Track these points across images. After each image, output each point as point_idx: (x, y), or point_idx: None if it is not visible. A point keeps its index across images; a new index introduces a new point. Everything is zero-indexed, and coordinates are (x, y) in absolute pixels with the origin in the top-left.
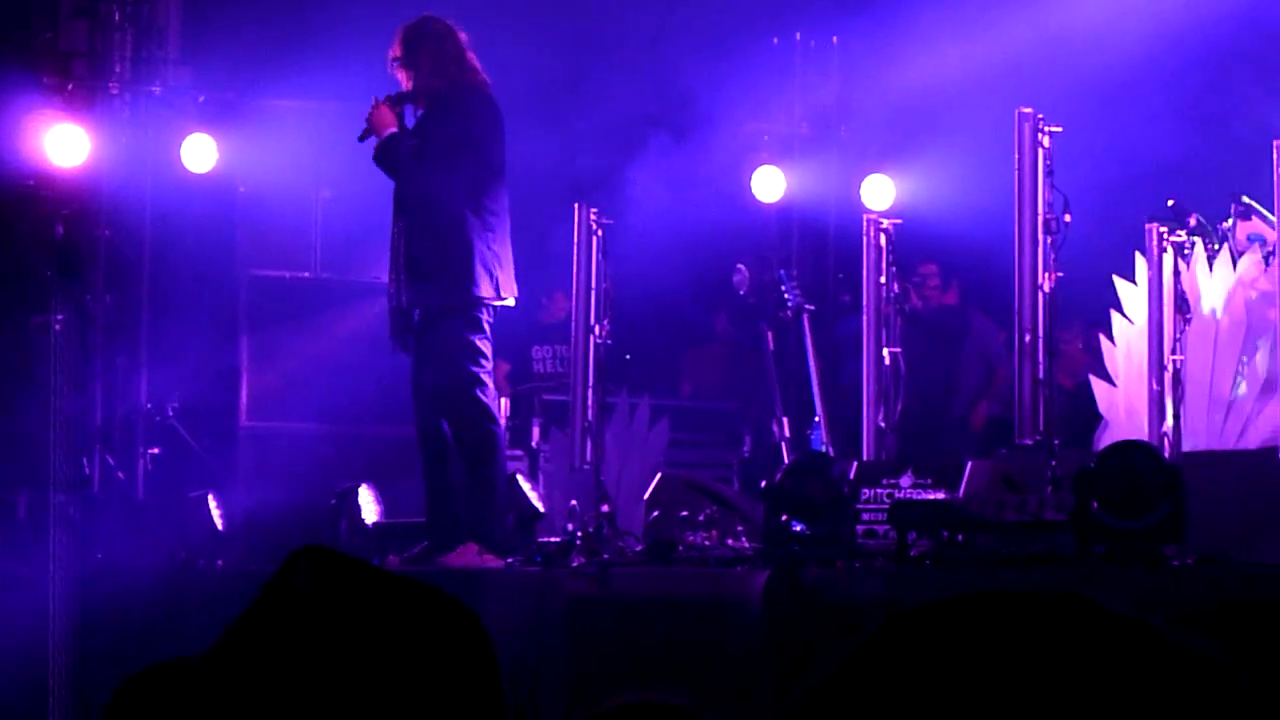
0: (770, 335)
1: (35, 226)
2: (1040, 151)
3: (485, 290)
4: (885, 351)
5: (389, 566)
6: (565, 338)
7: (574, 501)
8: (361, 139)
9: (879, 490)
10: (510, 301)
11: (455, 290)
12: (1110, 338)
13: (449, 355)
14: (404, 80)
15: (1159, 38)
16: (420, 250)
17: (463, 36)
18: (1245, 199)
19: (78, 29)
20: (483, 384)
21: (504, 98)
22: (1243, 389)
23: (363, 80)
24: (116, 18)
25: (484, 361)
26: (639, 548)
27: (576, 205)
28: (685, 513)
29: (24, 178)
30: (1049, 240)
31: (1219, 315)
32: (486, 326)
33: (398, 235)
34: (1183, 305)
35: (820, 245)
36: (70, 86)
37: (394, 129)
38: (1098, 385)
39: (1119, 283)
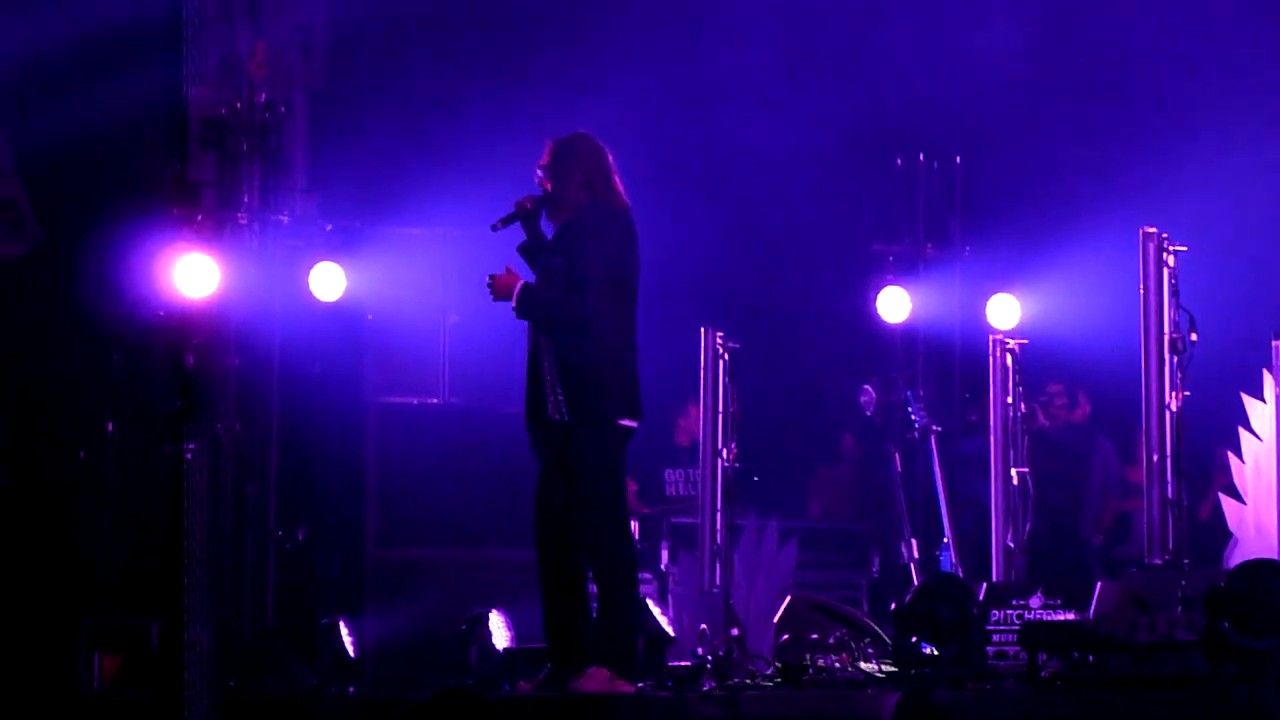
0: (897, 456)
1: (166, 357)
2: (1165, 271)
3: (622, 411)
4: (1013, 471)
5: (519, 693)
6: (695, 460)
7: (704, 625)
8: (495, 229)
9: (1009, 611)
10: (636, 423)
11: (596, 409)
12: (1239, 455)
13: (587, 476)
14: (547, 187)
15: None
16: (564, 367)
17: (611, 159)
18: None
19: (206, 160)
20: (618, 505)
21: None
22: None
23: (486, 205)
24: (244, 149)
25: (619, 483)
26: (769, 671)
27: (703, 329)
28: (815, 635)
29: (155, 309)
30: (1175, 360)
31: None
32: (622, 447)
33: (540, 351)
34: None
35: (946, 365)
36: (199, 217)
37: (520, 283)
38: (1227, 503)
39: (1247, 400)
